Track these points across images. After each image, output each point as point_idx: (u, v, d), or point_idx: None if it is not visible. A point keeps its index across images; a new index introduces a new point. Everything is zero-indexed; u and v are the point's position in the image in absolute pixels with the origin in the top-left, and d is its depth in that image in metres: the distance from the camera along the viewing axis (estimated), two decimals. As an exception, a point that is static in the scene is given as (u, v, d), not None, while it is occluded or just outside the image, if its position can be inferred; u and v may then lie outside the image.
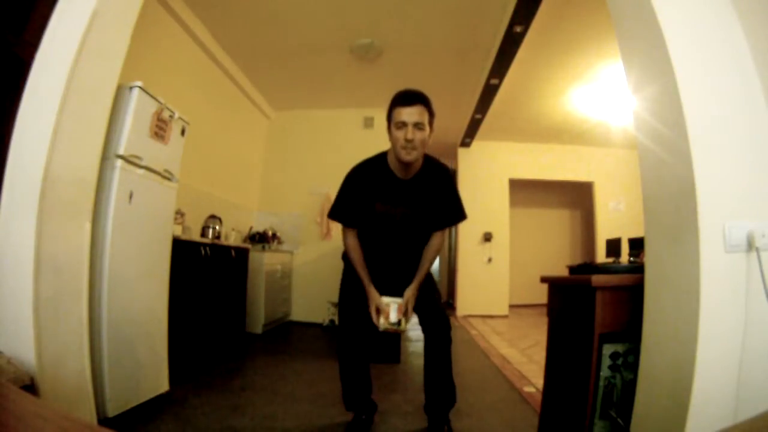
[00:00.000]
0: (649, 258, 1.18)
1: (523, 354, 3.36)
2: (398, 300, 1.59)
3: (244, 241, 4.23)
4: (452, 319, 1.71)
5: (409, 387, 2.37)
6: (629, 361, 1.26)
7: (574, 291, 1.42)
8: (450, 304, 6.73)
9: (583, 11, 2.94)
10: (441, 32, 3.36)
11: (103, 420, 1.52)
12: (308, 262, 4.76)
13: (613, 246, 3.53)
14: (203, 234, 3.26)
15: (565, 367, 1.47)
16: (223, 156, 4.02)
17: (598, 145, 5.91)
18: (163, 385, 1.91)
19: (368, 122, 4.92)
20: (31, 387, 1.09)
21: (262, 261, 3.84)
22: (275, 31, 3.39)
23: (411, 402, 2.05)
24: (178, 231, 2.65)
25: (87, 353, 1.35)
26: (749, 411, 0.95)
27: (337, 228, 3.76)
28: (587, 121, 5.05)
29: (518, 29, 3.05)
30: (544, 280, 1.65)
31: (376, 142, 4.11)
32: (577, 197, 7.41)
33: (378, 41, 3.51)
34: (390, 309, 1.57)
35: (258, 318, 3.77)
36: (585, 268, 1.65)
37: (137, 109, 1.71)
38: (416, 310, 1.67)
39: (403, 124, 1.46)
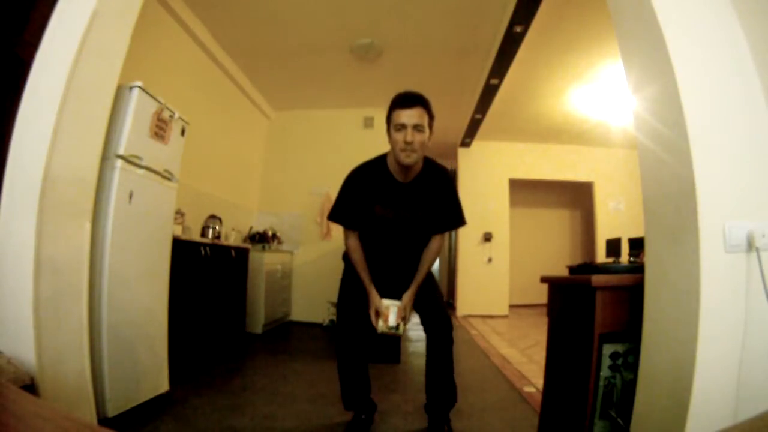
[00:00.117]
0: (649, 258, 1.17)
1: (523, 354, 3.36)
2: (398, 303, 1.59)
3: (244, 241, 4.23)
4: (452, 319, 1.72)
5: (409, 387, 2.37)
6: (629, 361, 1.26)
7: (574, 291, 1.41)
8: (450, 304, 6.72)
9: (583, 11, 2.94)
10: (441, 32, 3.36)
11: (103, 420, 1.52)
12: (308, 262, 4.76)
13: (613, 246, 3.54)
14: (203, 234, 3.26)
15: (565, 367, 1.47)
16: (223, 156, 4.02)
17: (598, 145, 5.90)
18: (163, 385, 1.91)
19: (368, 122, 4.92)
20: (31, 387, 1.09)
21: (262, 261, 3.84)
22: (275, 31, 3.39)
23: (411, 402, 2.05)
24: (178, 231, 2.65)
25: (87, 353, 1.35)
26: (749, 411, 0.95)
27: (337, 228, 3.77)
28: (587, 121, 5.04)
29: (518, 29, 3.05)
30: (544, 280, 1.65)
31: (376, 142, 4.12)
32: (577, 197, 7.41)
33: (378, 41, 3.51)
34: (390, 312, 1.57)
35: (258, 318, 3.77)
36: (585, 268, 1.65)
37: (137, 109, 1.71)
38: (418, 309, 1.67)
39: (403, 126, 1.46)
